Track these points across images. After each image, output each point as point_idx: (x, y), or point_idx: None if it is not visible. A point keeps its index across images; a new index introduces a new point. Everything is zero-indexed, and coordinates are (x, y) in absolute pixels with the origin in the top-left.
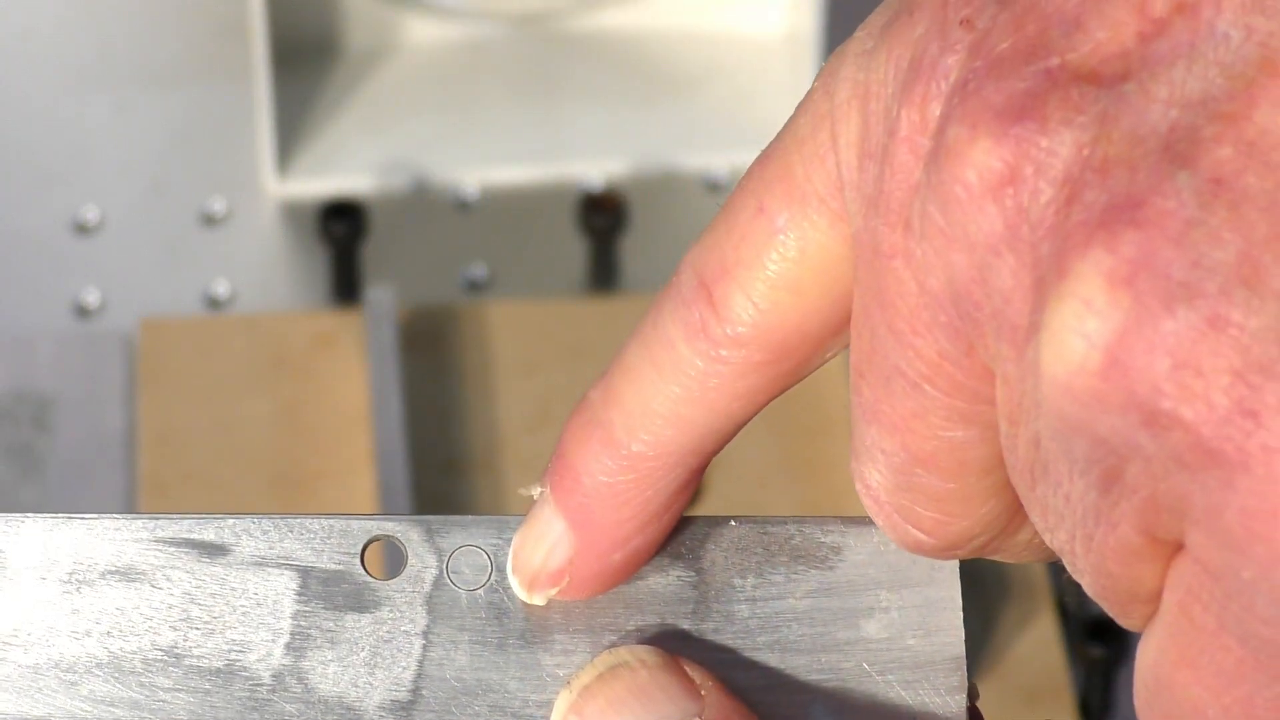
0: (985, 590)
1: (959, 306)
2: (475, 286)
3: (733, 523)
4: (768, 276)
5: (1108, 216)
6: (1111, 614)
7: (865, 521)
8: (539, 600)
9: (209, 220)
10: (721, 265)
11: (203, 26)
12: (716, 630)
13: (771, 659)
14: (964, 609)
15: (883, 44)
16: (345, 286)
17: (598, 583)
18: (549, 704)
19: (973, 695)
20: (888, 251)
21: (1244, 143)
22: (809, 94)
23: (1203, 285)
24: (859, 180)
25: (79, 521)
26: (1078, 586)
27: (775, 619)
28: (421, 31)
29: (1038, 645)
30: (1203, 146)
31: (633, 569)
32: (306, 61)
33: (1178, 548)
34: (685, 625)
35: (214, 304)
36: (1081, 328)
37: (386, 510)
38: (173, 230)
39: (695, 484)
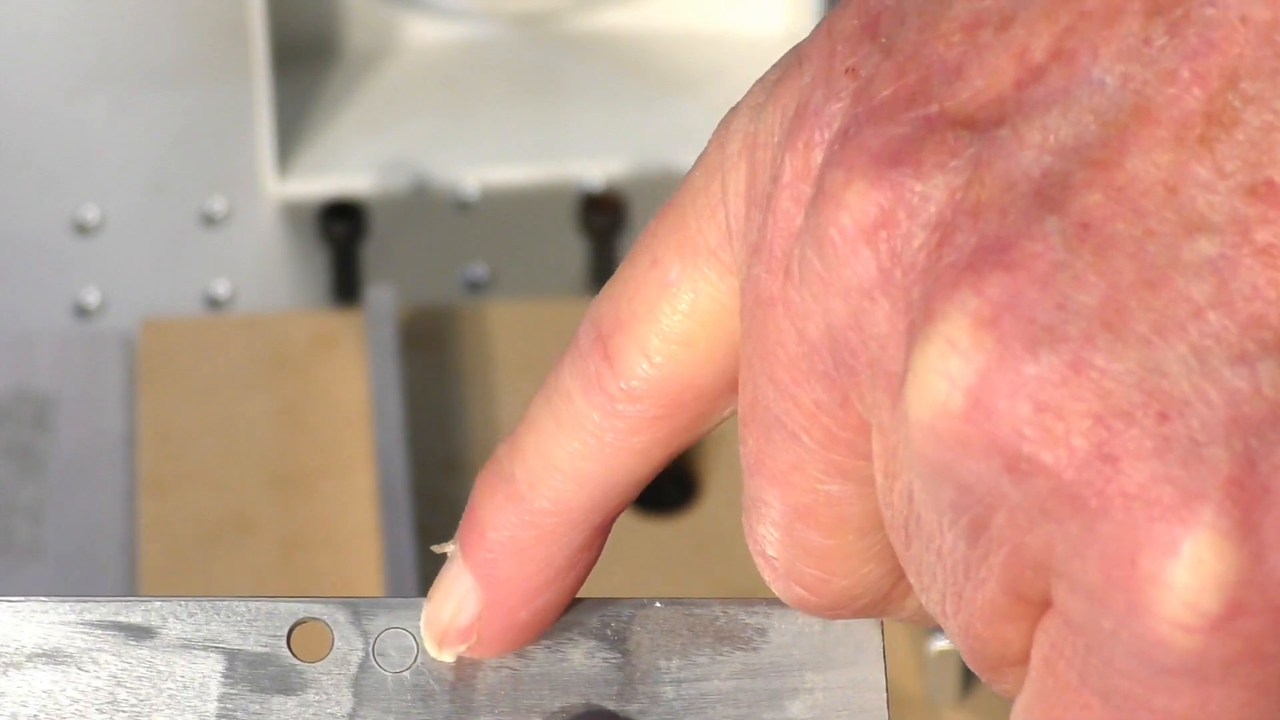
0: None
1: (836, 354)
2: (475, 286)
3: (658, 604)
4: (660, 330)
5: (975, 258)
6: (984, 680)
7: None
8: (448, 657)
9: (209, 220)
10: (616, 318)
11: (203, 26)
12: (642, 712)
13: None
14: (888, 690)
15: (772, 95)
16: (345, 286)
17: (505, 640)
18: None
19: None
20: (767, 299)
21: (1114, 188)
22: (705, 150)
23: (1066, 329)
24: (745, 229)
25: (4, 604)
26: None
27: (700, 700)
28: (421, 31)
29: None
30: (1073, 191)
31: (541, 627)
32: (306, 61)
33: (1044, 606)
34: (611, 707)
35: (214, 304)
36: (945, 368)
37: (386, 512)
38: (173, 230)
39: (600, 542)
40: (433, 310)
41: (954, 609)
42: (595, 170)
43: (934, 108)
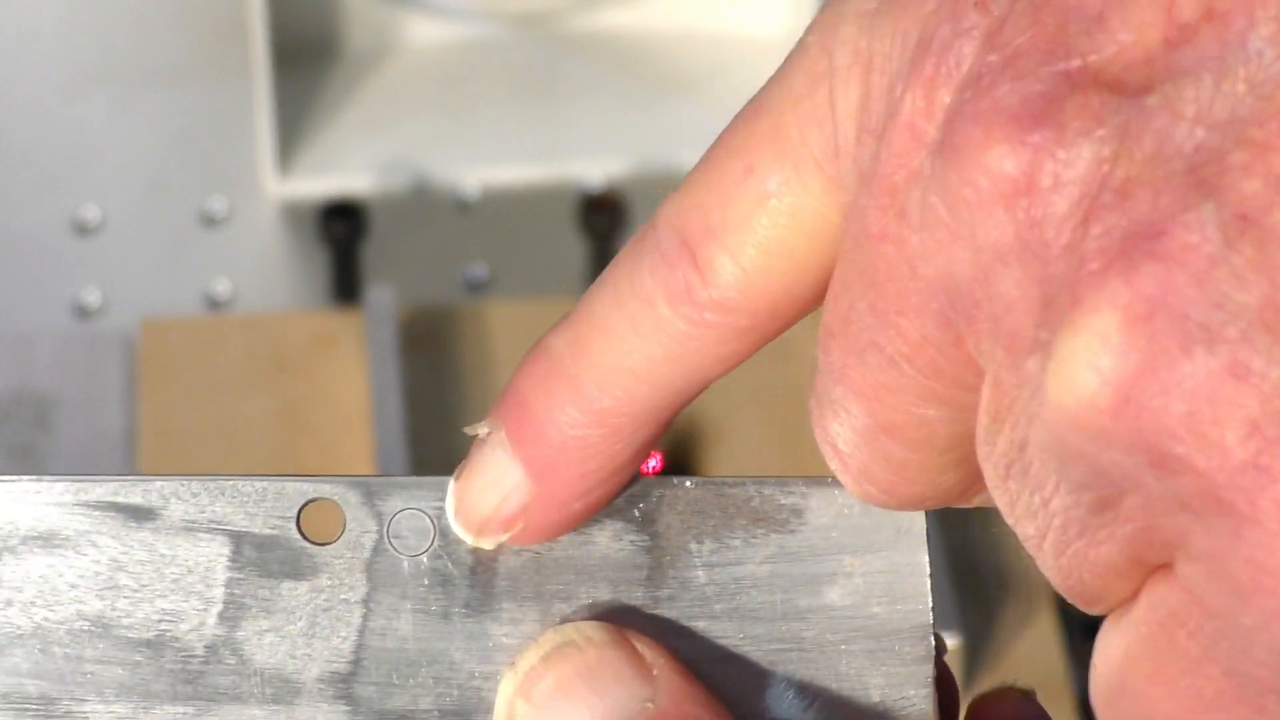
0: (985, 590)
1: (953, 300)
2: (475, 286)
3: (689, 484)
4: (758, 241)
5: (1127, 245)
6: (1070, 601)
7: (828, 482)
8: (486, 544)
9: (209, 220)
10: (706, 226)
11: (203, 26)
12: (671, 598)
13: (729, 628)
14: (931, 577)
15: (888, 9)
16: (345, 286)
17: (553, 530)
18: (495, 676)
19: (940, 650)
20: (877, 234)
21: (1273, 176)
22: (803, 47)
23: (1224, 329)
24: (856, 153)
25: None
26: None
27: (733, 586)
28: (421, 31)
29: (1038, 645)
30: (1230, 176)
31: (590, 515)
32: (306, 61)
33: (1160, 567)
34: (639, 592)
35: (214, 304)
36: (1095, 363)
37: None
38: (173, 230)
39: (660, 437)
40: (433, 310)
41: (1055, 551)
42: (595, 170)
43: (1075, 62)
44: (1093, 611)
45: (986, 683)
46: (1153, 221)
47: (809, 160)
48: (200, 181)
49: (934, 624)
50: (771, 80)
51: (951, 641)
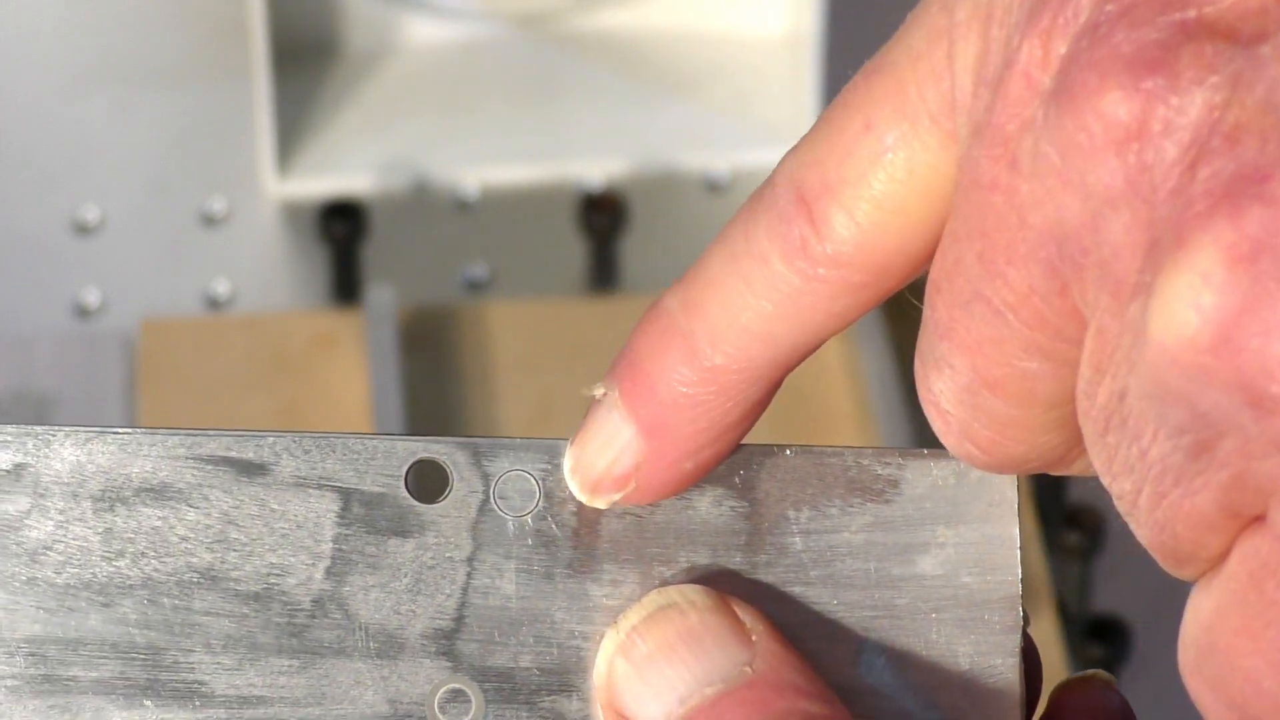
0: None
1: (1062, 247)
2: (475, 286)
3: (788, 452)
4: (873, 196)
5: (1233, 188)
6: (1162, 564)
7: (923, 455)
8: (600, 504)
9: (209, 220)
10: (823, 182)
11: (203, 26)
12: (769, 563)
13: (824, 594)
14: (1021, 547)
15: None
16: (345, 286)
17: (666, 489)
18: (595, 636)
19: (1025, 622)
20: (988, 184)
21: None
22: (925, 6)
23: None
24: (971, 105)
25: (112, 436)
26: (1078, 587)
27: (829, 553)
28: (421, 31)
29: (1038, 645)
30: None
31: (701, 476)
32: (306, 61)
33: (1254, 520)
34: (737, 557)
35: (214, 304)
36: (1196, 301)
37: None
38: (173, 230)
39: (771, 396)
40: (433, 310)
41: (1151, 505)
42: (595, 170)
43: (1191, 13)
44: (1183, 574)
45: None
46: (1259, 166)
47: (925, 116)
48: (200, 181)
49: (1022, 595)
50: (894, 38)
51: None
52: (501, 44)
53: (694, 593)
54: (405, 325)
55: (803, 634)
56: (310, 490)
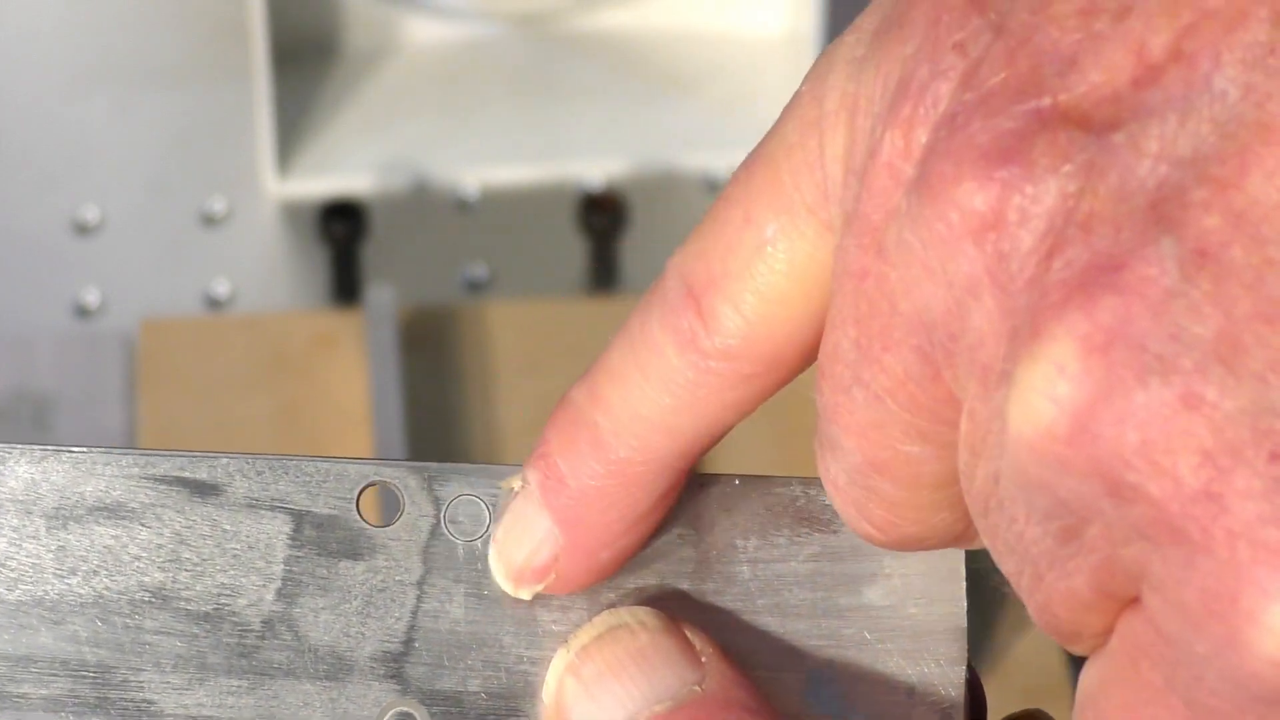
0: (985, 591)
1: (931, 334)
2: (475, 286)
3: (737, 482)
4: (757, 288)
5: (1087, 278)
6: (1055, 639)
7: None
8: (525, 595)
9: (209, 220)
10: (709, 275)
11: (203, 26)
12: (717, 591)
13: (771, 623)
14: (967, 578)
15: (873, 55)
16: (345, 286)
17: (585, 579)
18: (543, 660)
19: (970, 654)
20: (858, 272)
21: (1232, 213)
22: (797, 98)
23: (1179, 360)
24: (842, 195)
25: (67, 455)
26: None
27: (776, 582)
28: (421, 31)
29: (1038, 646)
30: (1190, 212)
31: (620, 565)
32: (306, 61)
33: (1130, 600)
34: (685, 585)
35: (214, 304)
36: (1051, 391)
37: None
38: (173, 230)
39: (681, 485)
40: (433, 310)
41: (1031, 587)
42: (595, 170)
43: (1046, 101)
44: (1075, 650)
45: (987, 682)
46: (1113, 255)
47: (801, 207)
48: (200, 181)
49: (968, 627)
50: (770, 131)
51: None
52: (501, 44)
53: (644, 614)
54: (405, 325)
55: (750, 662)
56: (262, 512)
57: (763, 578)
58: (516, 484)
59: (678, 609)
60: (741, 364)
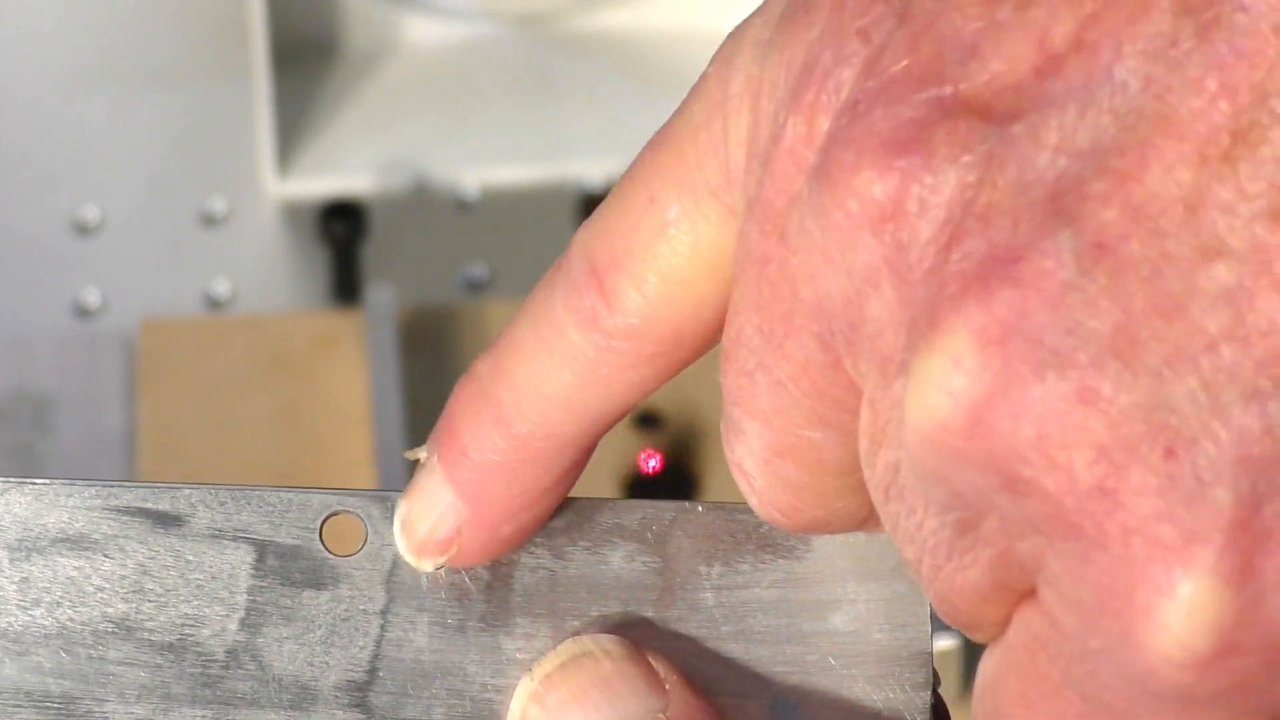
0: None
1: (832, 322)
2: (475, 286)
3: (700, 509)
4: (659, 269)
5: (985, 270)
6: (953, 627)
7: None
8: (427, 567)
9: (209, 220)
10: (612, 254)
11: (203, 26)
12: (681, 618)
13: (736, 649)
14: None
15: (778, 39)
16: (345, 286)
17: (486, 553)
18: (508, 689)
19: (935, 682)
20: (759, 257)
21: (1131, 205)
22: (704, 79)
23: (1075, 355)
24: (745, 180)
25: (30, 487)
26: None
27: (741, 608)
28: (421, 31)
29: None
30: (1088, 205)
31: (523, 539)
32: (306, 61)
33: (1027, 593)
34: (649, 612)
35: (214, 304)
36: (947, 384)
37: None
38: (173, 230)
39: (585, 462)
40: (433, 310)
41: (930, 576)
42: (595, 170)
43: (947, 89)
44: (975, 638)
45: None
46: (1011, 247)
47: (705, 189)
48: (200, 181)
49: (932, 653)
50: (676, 111)
51: (950, 642)
52: (501, 44)
53: (609, 641)
54: (405, 325)
55: (715, 688)
56: (225, 542)
57: (727, 604)
58: (422, 455)
59: (642, 636)
60: (643, 343)
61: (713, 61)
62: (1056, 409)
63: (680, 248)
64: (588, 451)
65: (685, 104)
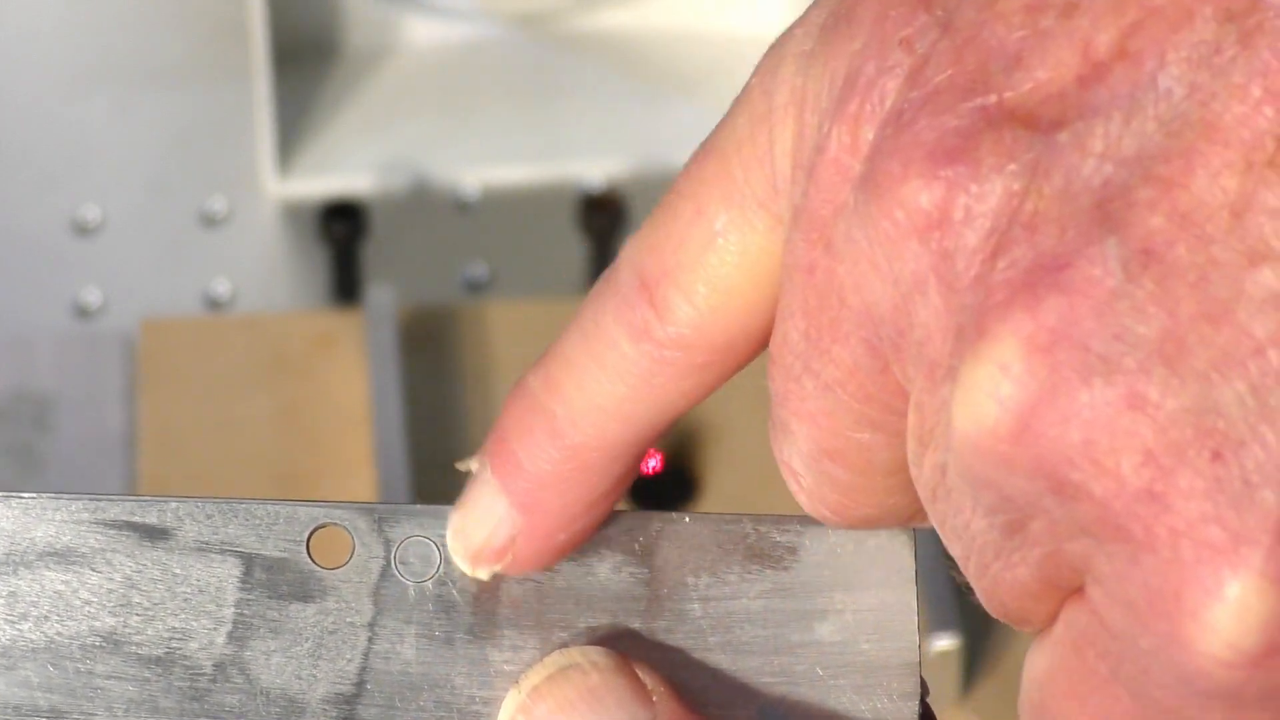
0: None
1: (879, 329)
2: (475, 286)
3: (687, 519)
4: (708, 279)
5: (1032, 278)
6: (1001, 620)
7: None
8: (482, 574)
9: (209, 220)
10: (662, 267)
11: (203, 26)
12: (668, 629)
13: (723, 660)
14: (919, 613)
15: (821, 50)
16: (345, 286)
17: (541, 560)
18: (495, 701)
19: (923, 692)
20: (806, 266)
21: (1178, 212)
22: (747, 90)
23: (1122, 360)
24: (790, 190)
25: (15, 501)
26: None
27: (728, 619)
28: (421, 31)
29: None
30: (1135, 211)
31: (577, 545)
32: (306, 61)
33: (1074, 589)
34: (636, 623)
35: (214, 304)
36: (996, 391)
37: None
38: (173, 230)
39: (636, 469)
40: (433, 310)
41: (978, 574)
42: (595, 170)
43: (992, 98)
44: (1024, 630)
45: (985, 683)
46: (1058, 254)
47: (752, 200)
48: (200, 181)
49: (920, 662)
50: (719, 124)
51: (950, 642)
52: (501, 44)
53: (596, 654)
54: (405, 325)
55: (702, 699)
56: (212, 555)
57: (714, 615)
58: (473, 466)
59: (629, 648)
60: (694, 353)
61: (755, 73)
62: (1104, 414)
63: (729, 258)
64: (639, 459)
65: (729, 116)
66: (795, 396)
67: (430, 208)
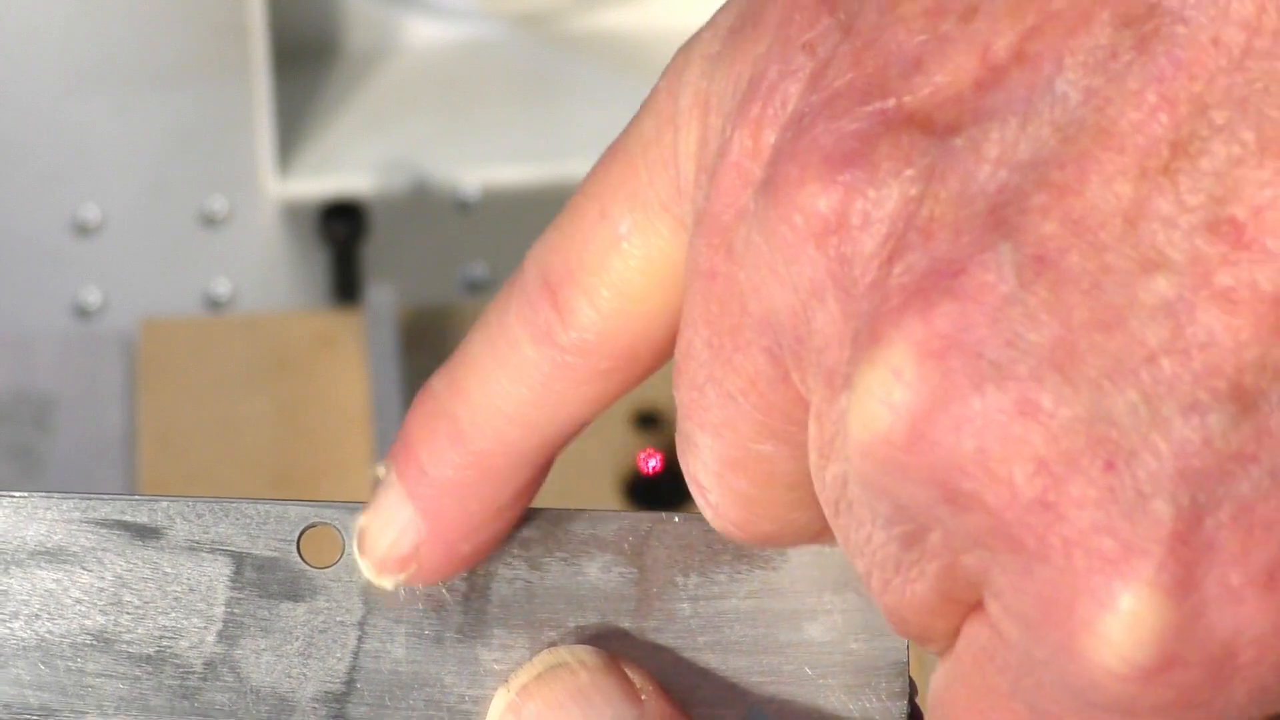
0: None
1: (779, 336)
2: (475, 286)
3: (676, 519)
4: (612, 283)
5: (926, 283)
6: (905, 638)
7: None
8: (387, 584)
9: (209, 220)
10: (565, 268)
11: (203, 26)
12: (657, 629)
13: (712, 660)
14: None
15: (726, 52)
16: (345, 286)
17: (445, 570)
18: (485, 700)
19: (913, 692)
20: (708, 271)
21: (1071, 218)
22: (655, 93)
23: (1015, 367)
24: (694, 193)
25: (7, 500)
26: None
27: (717, 619)
28: (421, 31)
29: None
30: (1028, 217)
31: (482, 557)
32: (306, 61)
33: (974, 604)
34: (626, 623)
35: (214, 304)
36: (888, 397)
37: None
38: (173, 230)
39: (542, 478)
40: (433, 310)
41: (880, 589)
42: None
43: (891, 102)
44: (928, 650)
45: None
46: (952, 260)
47: (656, 203)
48: (200, 181)
49: (909, 662)
50: (628, 125)
51: None
52: (501, 44)
53: (584, 653)
54: (405, 325)
55: (691, 699)
56: (203, 554)
57: (703, 614)
58: (381, 470)
59: (618, 647)
60: (597, 358)
61: (664, 75)
62: (996, 422)
63: (633, 262)
64: (544, 468)
65: (637, 118)
66: (699, 407)
67: (430, 208)
